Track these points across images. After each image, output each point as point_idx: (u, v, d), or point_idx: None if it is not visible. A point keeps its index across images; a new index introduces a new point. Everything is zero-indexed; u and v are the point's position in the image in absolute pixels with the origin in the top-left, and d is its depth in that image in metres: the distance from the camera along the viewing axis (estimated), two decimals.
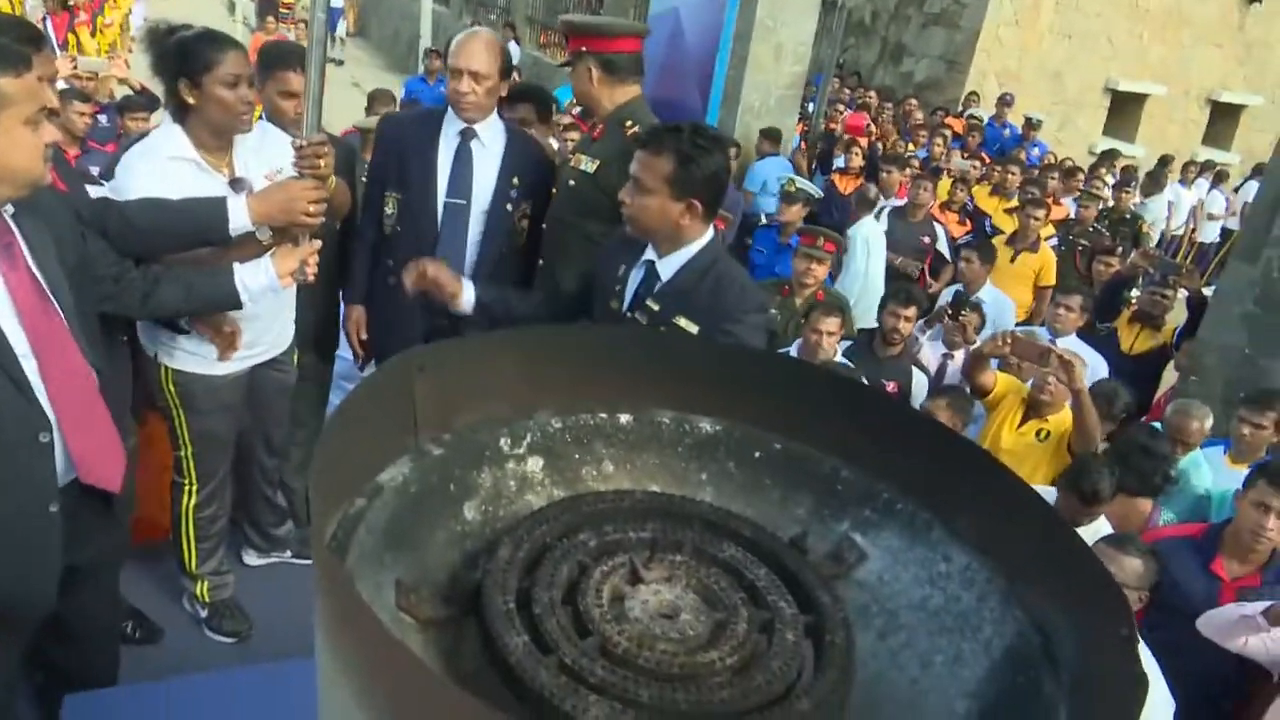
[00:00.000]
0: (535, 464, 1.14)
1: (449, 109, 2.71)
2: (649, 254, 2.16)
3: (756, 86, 7.49)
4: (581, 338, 1.29)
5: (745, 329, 2.03)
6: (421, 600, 0.91)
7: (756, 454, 1.20)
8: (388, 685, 0.65)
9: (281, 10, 12.81)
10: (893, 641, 1.02)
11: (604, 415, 1.19)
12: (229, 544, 2.87)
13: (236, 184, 2.32)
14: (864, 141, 7.93)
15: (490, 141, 2.73)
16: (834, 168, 7.50)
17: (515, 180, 2.74)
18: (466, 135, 2.71)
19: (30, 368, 1.62)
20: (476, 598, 0.92)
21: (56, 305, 1.68)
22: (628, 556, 1.01)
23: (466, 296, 2.24)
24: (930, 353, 4.27)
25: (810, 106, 8.65)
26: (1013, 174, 7.42)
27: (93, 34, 10.29)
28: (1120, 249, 6.21)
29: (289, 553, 3.13)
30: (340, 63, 14.25)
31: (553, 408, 1.17)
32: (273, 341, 2.57)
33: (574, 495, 1.12)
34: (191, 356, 2.39)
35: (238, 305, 2.13)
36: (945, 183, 6.86)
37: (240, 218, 2.07)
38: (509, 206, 2.73)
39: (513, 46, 12.27)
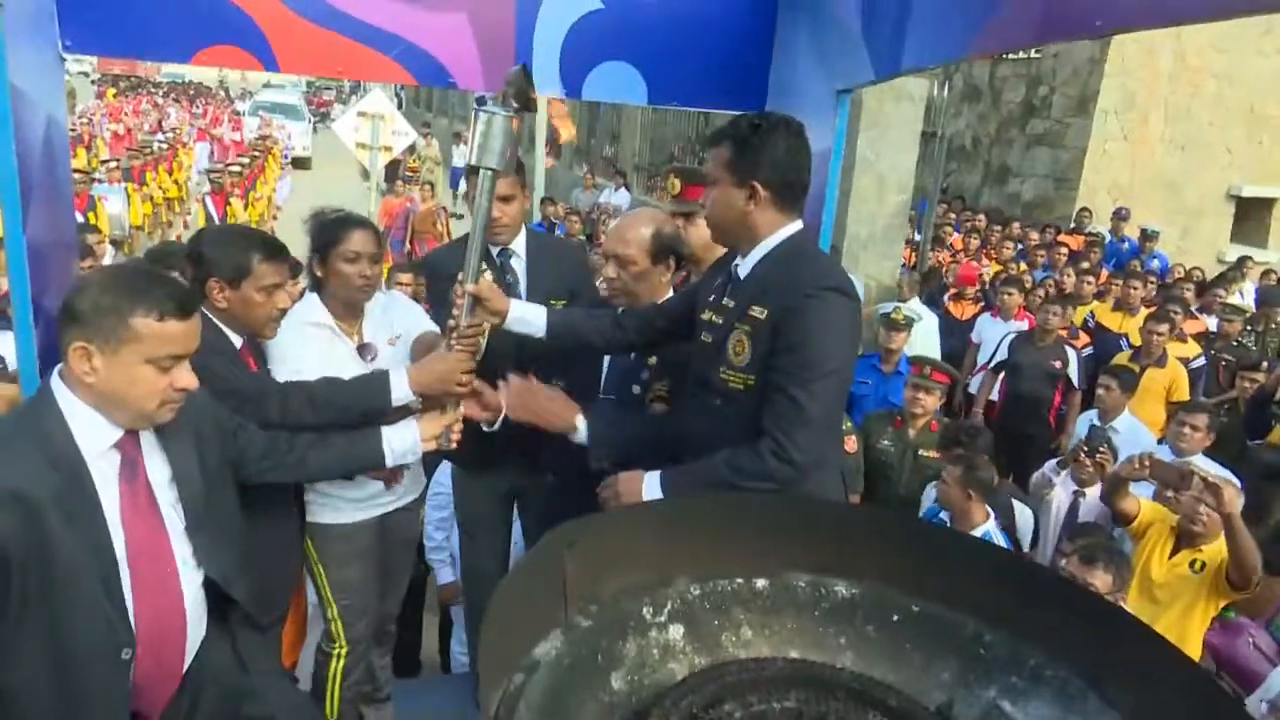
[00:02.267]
0: (676, 632, 1.18)
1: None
2: (735, 261, 2.02)
3: (861, 218, 7.63)
4: (716, 503, 1.34)
5: (821, 305, 1.79)
6: None
7: (895, 617, 1.20)
8: None
9: (406, 174, 13.95)
10: None
11: (740, 580, 1.23)
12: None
13: (364, 349, 2.52)
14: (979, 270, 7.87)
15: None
16: (948, 295, 7.46)
17: (648, 361, 2.54)
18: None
19: (125, 582, 1.63)
20: None
21: (167, 523, 1.73)
22: None
23: (577, 423, 2.14)
24: (1062, 491, 4.09)
25: (915, 233, 8.72)
26: (1134, 288, 7.21)
27: (245, 206, 11.45)
28: (1265, 363, 5.89)
29: None
30: (461, 216, 15.29)
31: (691, 574, 1.21)
32: (402, 490, 2.64)
33: (715, 663, 1.15)
34: (323, 508, 2.50)
35: (382, 466, 2.23)
36: (1082, 310, 6.70)
37: (402, 390, 2.20)
38: (635, 389, 2.59)
39: (622, 193, 12.92)
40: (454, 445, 2.26)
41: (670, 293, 2.50)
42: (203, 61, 2.81)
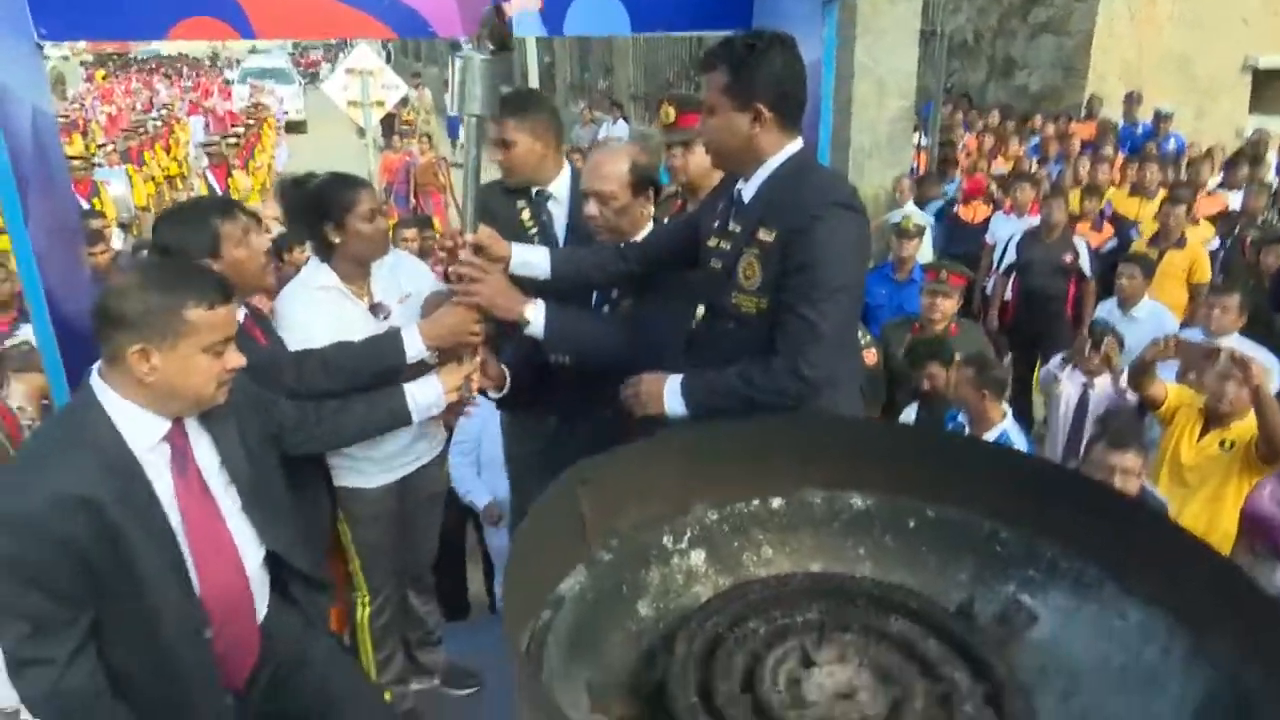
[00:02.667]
0: (698, 557, 1.21)
1: None
2: (738, 185, 2.00)
3: (864, 127, 7.48)
4: (727, 430, 1.35)
5: (827, 223, 1.79)
6: (611, 701, 0.99)
7: (911, 524, 1.22)
8: None
9: (402, 127, 13.80)
10: (1075, 704, 1.01)
11: (757, 501, 1.25)
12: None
13: (376, 309, 2.51)
14: (989, 168, 7.73)
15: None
16: (957, 199, 7.34)
17: None
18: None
19: (190, 566, 1.72)
20: (662, 693, 0.99)
21: (221, 505, 1.80)
22: (798, 640, 1.05)
23: (533, 312, 2.18)
24: (1070, 384, 4.07)
25: (921, 136, 8.54)
26: (1150, 171, 7.06)
27: (248, 174, 11.41)
28: None
29: (436, 680, 3.04)
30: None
31: (708, 500, 1.24)
32: (424, 450, 2.66)
33: (738, 583, 1.18)
34: (348, 471, 2.53)
35: (409, 422, 2.23)
36: (1075, 193, 6.60)
37: (415, 346, 2.23)
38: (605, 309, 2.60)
39: (620, 125, 12.73)
40: (474, 395, 2.29)
41: (650, 225, 2.49)
42: (179, 36, 2.77)
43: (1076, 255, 5.45)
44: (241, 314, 2.26)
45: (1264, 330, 4.29)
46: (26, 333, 3.54)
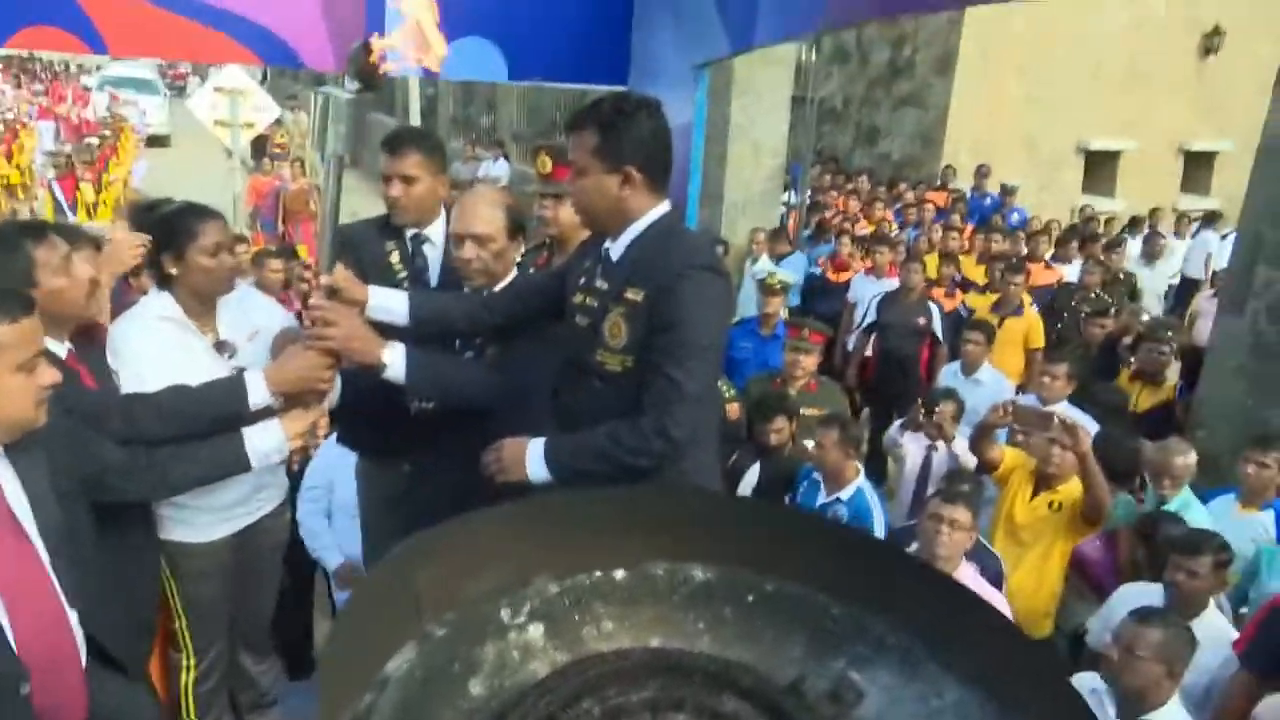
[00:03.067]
0: (536, 631, 1.18)
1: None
2: (606, 243, 2.02)
3: (738, 184, 7.75)
4: (574, 498, 1.34)
5: (694, 285, 1.84)
6: None
7: (750, 598, 1.24)
8: None
9: (275, 150, 13.32)
10: None
11: (599, 573, 1.24)
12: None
13: (220, 346, 2.41)
14: (853, 230, 8.10)
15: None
16: (822, 255, 7.66)
17: None
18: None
19: (3, 616, 1.57)
20: None
21: (37, 542, 1.65)
22: None
23: (391, 356, 2.10)
24: (913, 447, 4.27)
25: (791, 195, 8.90)
26: (996, 240, 7.58)
27: (97, 191, 10.71)
28: (1115, 309, 6.29)
29: None
30: None
31: (551, 571, 1.22)
32: (265, 497, 2.55)
33: (575, 659, 1.16)
34: (175, 524, 2.37)
35: (247, 469, 2.13)
36: (932, 259, 7.01)
37: (260, 393, 2.11)
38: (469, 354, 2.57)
39: (501, 164, 12.71)
40: (319, 443, 2.21)
41: (515, 271, 2.49)
42: (20, 44, 2.61)
43: (930, 318, 5.77)
44: (63, 350, 2.11)
45: (1082, 393, 4.62)
46: None
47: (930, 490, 4.00)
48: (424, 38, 1.94)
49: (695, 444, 1.90)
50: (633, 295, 1.90)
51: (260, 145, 13.72)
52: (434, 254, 2.68)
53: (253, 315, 2.52)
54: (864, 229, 8.56)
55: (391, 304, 2.23)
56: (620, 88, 3.21)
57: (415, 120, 12.76)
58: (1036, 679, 1.01)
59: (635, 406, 1.85)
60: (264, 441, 2.10)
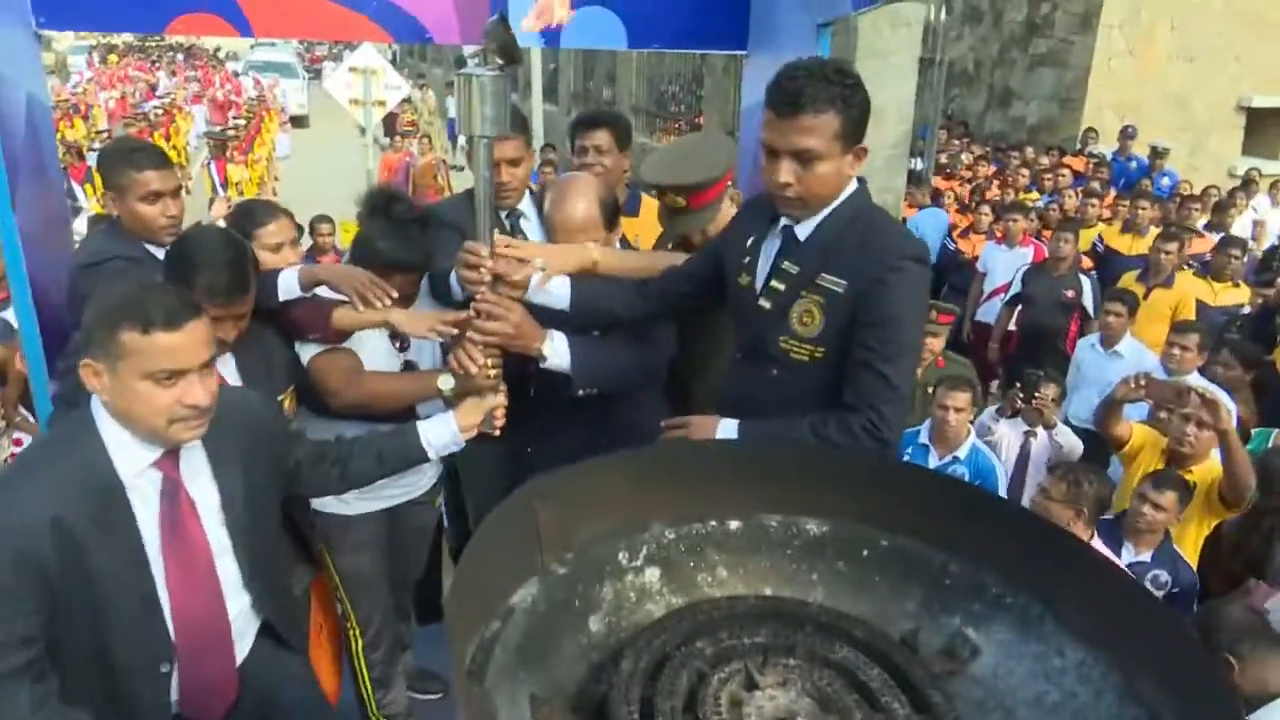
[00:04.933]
0: (653, 575, 1.22)
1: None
2: (784, 219, 1.86)
3: None
4: (688, 450, 1.37)
5: (905, 278, 1.73)
6: (554, 713, 1.00)
7: (864, 552, 1.24)
8: None
9: (405, 128, 13.84)
10: None
11: (714, 523, 1.27)
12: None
13: (394, 337, 2.36)
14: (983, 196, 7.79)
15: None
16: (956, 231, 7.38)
17: None
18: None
19: (164, 599, 1.64)
20: (604, 709, 1.00)
21: (213, 542, 1.71)
22: (743, 663, 1.07)
23: (551, 346, 2.04)
24: (1011, 434, 4.07)
25: (918, 161, 8.61)
26: (1143, 208, 7.10)
27: (246, 166, 11.42)
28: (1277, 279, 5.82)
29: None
30: (462, 168, 15.18)
31: (666, 519, 1.25)
32: (412, 483, 2.50)
33: (690, 603, 1.19)
34: (329, 499, 2.37)
35: (425, 461, 2.07)
36: (1088, 233, 6.61)
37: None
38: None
39: None
40: (497, 432, 2.09)
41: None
42: (177, 30, 2.80)
43: (1080, 291, 5.47)
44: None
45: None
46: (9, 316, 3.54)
47: (1029, 479, 3.84)
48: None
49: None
50: (831, 283, 1.76)
51: (391, 123, 14.27)
52: (533, 230, 2.61)
53: None
54: (994, 195, 8.21)
55: (553, 287, 2.09)
56: (740, 52, 3.19)
57: (538, 95, 12.96)
58: (1163, 644, 0.98)
59: (820, 400, 1.75)
60: (438, 435, 2.03)
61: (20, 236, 2.48)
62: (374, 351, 2.32)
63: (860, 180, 1.90)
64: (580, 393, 2.22)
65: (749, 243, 1.93)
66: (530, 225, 2.65)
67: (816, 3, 2.71)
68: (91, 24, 2.88)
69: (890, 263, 1.73)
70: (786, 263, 1.84)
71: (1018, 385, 4.01)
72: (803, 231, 1.83)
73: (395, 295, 2.18)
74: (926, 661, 1.10)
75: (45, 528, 1.48)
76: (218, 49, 33.69)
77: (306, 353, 2.27)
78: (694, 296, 2.12)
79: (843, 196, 1.81)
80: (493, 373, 2.03)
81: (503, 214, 2.59)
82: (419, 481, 2.54)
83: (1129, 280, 5.56)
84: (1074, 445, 3.85)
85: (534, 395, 2.38)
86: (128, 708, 1.65)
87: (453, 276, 2.20)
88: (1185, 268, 5.67)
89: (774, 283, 1.85)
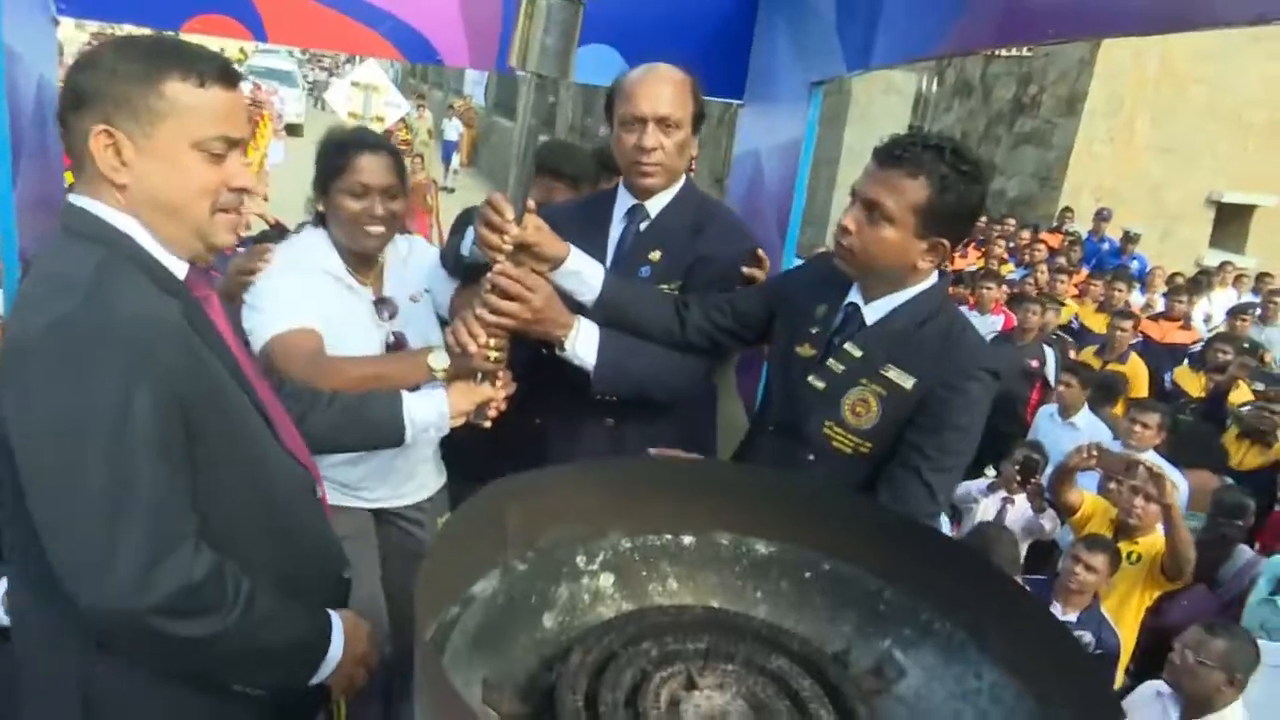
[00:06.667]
0: (607, 580, 1.29)
1: (618, 184, 2.12)
2: (853, 295, 1.74)
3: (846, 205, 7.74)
4: (653, 466, 1.45)
5: (981, 391, 1.65)
6: (503, 698, 1.06)
7: (807, 574, 1.32)
8: None
9: (399, 146, 13.95)
10: None
11: (669, 536, 1.34)
12: None
13: (380, 304, 2.07)
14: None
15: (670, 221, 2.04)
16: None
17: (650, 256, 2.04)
18: (635, 215, 2.05)
19: (279, 427, 1.41)
20: (550, 697, 1.07)
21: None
22: (685, 665, 1.13)
23: (577, 336, 1.81)
24: (988, 500, 4.20)
25: None
26: (1119, 290, 7.31)
27: None
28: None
29: None
30: (452, 190, 15.32)
31: (625, 529, 1.32)
32: (397, 486, 2.13)
33: (640, 608, 1.26)
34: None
35: (399, 441, 1.75)
36: (1066, 311, 6.77)
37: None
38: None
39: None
40: (487, 425, 1.83)
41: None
42: (193, 29, 2.88)
43: (1043, 361, 5.64)
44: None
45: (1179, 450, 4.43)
46: None
47: None
48: None
49: None
50: (898, 377, 1.65)
51: None
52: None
53: (419, 272, 2.18)
54: (971, 264, 8.43)
55: (586, 272, 1.84)
56: (736, 101, 3.31)
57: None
58: (1076, 675, 1.06)
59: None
60: (424, 412, 1.74)
61: (16, 214, 2.53)
62: (351, 322, 1.99)
63: (942, 273, 1.80)
64: (598, 395, 1.96)
65: (820, 311, 1.77)
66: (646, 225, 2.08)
67: (813, 61, 2.84)
68: (110, 14, 2.95)
69: (970, 371, 1.65)
70: (849, 345, 1.70)
71: (1016, 467, 4.07)
72: (871, 315, 1.71)
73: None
74: (857, 677, 1.17)
75: (162, 326, 1.17)
76: (222, 50, 33.73)
77: (261, 327, 1.88)
78: (736, 337, 1.94)
79: (920, 287, 1.70)
80: (494, 355, 1.75)
81: (628, 203, 2.09)
82: (405, 487, 2.17)
83: (1088, 354, 5.74)
84: (1055, 524, 3.97)
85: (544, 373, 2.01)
86: (296, 555, 1.39)
87: (468, 235, 1.92)
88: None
89: (831, 361, 1.71)
